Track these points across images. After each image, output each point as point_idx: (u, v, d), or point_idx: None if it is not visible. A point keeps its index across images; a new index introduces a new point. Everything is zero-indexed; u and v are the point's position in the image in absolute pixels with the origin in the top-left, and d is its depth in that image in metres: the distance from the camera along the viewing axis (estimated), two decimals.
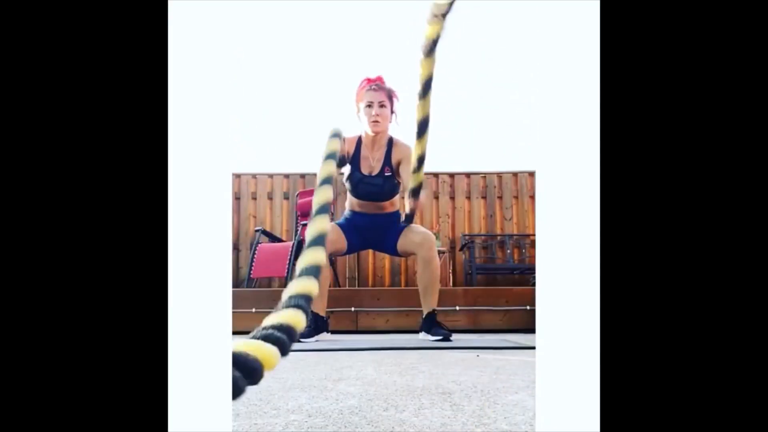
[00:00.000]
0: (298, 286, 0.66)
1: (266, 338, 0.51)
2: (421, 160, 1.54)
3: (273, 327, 0.53)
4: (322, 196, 0.94)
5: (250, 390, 1.02)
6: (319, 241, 0.79)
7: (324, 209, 0.89)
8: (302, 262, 0.73)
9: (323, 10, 5.56)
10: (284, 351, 0.50)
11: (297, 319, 0.57)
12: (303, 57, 5.73)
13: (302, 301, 0.62)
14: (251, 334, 0.52)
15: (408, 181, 2.43)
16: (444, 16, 0.95)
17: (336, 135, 1.28)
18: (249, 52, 5.31)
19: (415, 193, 1.87)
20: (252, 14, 5.28)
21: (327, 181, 1.03)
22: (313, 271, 0.70)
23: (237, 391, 0.41)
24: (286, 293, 0.65)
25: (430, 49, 1.09)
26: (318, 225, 0.83)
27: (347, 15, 5.62)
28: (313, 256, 0.74)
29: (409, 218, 2.12)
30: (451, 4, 0.92)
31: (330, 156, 1.11)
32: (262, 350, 0.48)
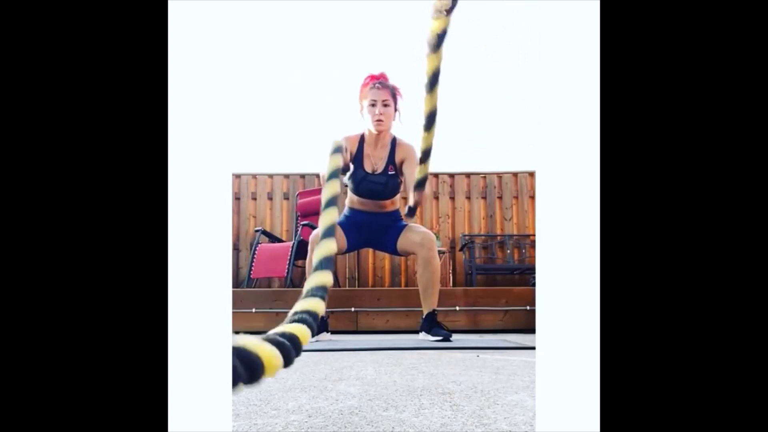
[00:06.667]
0: (318, 278, 0.74)
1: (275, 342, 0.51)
2: (427, 153, 1.53)
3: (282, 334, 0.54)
4: (330, 190, 1.06)
5: (250, 390, 1.02)
6: (331, 232, 0.89)
7: (333, 202, 1.00)
8: (318, 254, 0.82)
9: (324, 10, 5.56)
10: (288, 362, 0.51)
11: (303, 331, 0.59)
12: (303, 56, 5.73)
13: (321, 292, 0.71)
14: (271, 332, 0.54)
15: (411, 179, 2.41)
16: (448, 12, 0.95)
17: (338, 150, 1.32)
18: (249, 52, 5.31)
19: (420, 185, 1.86)
20: (252, 13, 5.28)
21: (334, 175, 1.15)
22: (328, 264, 0.80)
23: (235, 380, 0.41)
24: (309, 283, 0.72)
25: (436, 45, 1.10)
26: (329, 217, 0.95)
27: (347, 14, 5.62)
28: (328, 247, 0.84)
29: (412, 211, 2.09)
30: (454, 0, 0.92)
31: (333, 175, 1.19)
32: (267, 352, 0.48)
